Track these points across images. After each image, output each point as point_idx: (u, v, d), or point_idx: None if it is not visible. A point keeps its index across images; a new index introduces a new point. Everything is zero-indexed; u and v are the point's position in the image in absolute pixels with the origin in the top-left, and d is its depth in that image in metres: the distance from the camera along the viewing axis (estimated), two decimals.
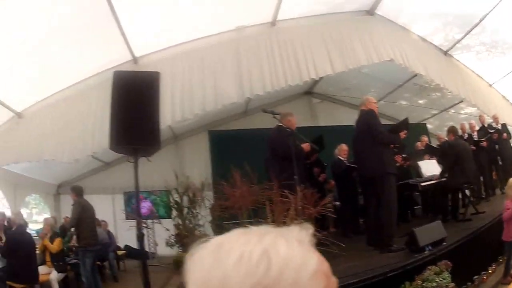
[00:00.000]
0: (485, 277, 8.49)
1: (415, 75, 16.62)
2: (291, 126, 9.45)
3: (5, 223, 12.47)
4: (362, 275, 6.57)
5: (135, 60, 11.34)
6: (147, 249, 18.52)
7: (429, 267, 6.79)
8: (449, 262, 7.03)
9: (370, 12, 13.37)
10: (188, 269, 1.19)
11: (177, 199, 15.22)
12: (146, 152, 7.42)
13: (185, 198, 14.78)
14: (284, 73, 11.26)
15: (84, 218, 10.81)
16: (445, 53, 16.02)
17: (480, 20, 14.82)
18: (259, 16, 11.85)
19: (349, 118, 14.79)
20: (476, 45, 16.85)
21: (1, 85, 11.00)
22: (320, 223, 10.95)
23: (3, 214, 13.19)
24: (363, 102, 9.92)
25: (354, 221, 13.34)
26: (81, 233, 10.71)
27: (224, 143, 16.91)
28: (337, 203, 13.67)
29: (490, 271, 8.79)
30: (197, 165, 18.67)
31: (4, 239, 10.99)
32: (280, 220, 4.59)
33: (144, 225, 12.89)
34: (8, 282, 9.46)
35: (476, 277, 8.39)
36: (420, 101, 21.48)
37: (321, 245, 4.73)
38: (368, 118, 9.44)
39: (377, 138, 9.18)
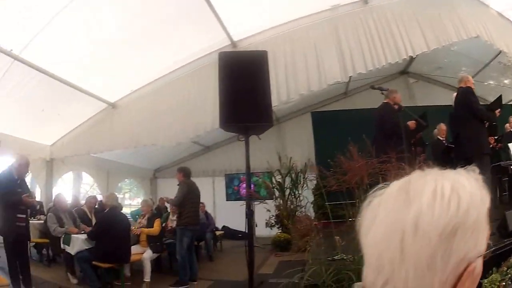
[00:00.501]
0: None
1: (499, 53, 16.07)
2: (397, 102, 9.30)
3: (96, 206, 12.83)
4: None
5: (233, 44, 11.37)
6: (247, 229, 18.87)
7: None
8: None
9: None
10: (366, 221, 1.19)
11: (279, 180, 15.30)
12: (257, 130, 7.35)
13: (288, 180, 14.82)
14: (383, 51, 11.08)
15: (188, 198, 10.80)
16: None
17: None
18: None
19: (444, 97, 14.56)
20: None
21: (93, 79, 11.36)
22: None
23: (94, 197, 13.63)
24: (461, 79, 9.68)
25: None
26: (183, 212, 10.69)
27: (327, 124, 16.66)
28: None
29: None
30: (299, 147, 18.71)
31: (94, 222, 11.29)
32: None
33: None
34: (94, 262, 9.52)
35: None
36: (506, 81, 20.61)
37: None
38: (466, 95, 9.26)
39: (476, 115, 9.03)
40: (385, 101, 9.51)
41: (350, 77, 12.39)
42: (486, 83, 19.68)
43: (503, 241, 7.08)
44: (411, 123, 9.44)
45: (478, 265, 1.11)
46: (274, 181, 15.99)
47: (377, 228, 1.13)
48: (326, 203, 7.56)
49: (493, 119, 10.22)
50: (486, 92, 18.80)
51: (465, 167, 1.22)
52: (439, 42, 11.77)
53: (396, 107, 9.36)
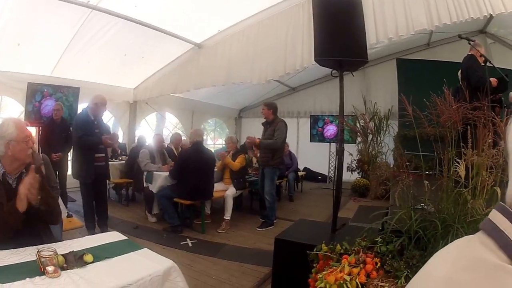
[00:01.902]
0: None
1: None
2: (483, 55, 8.87)
3: (181, 145, 12.88)
4: None
5: None
6: (326, 173, 18.69)
7: None
8: None
9: None
10: None
11: (363, 125, 15.24)
12: (352, 66, 7.13)
13: (371, 125, 14.68)
14: (466, 5, 10.64)
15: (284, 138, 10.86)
16: None
17: None
18: None
19: None
20: None
21: (178, 21, 11.34)
22: None
23: (178, 134, 13.81)
24: None
25: None
26: (277, 152, 10.59)
27: (411, 72, 16.36)
28: None
29: None
30: (383, 92, 18.60)
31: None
32: (480, 146, 4.36)
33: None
34: (175, 199, 9.65)
35: None
36: None
37: None
38: None
39: None
40: (470, 53, 9.24)
41: (435, 27, 12.01)
42: None
43: None
44: (494, 80, 9.15)
45: None
46: (358, 125, 15.73)
47: None
48: (410, 152, 7.44)
49: None
50: None
51: None
52: None
53: (481, 59, 8.99)
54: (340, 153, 6.73)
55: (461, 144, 4.39)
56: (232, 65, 11.89)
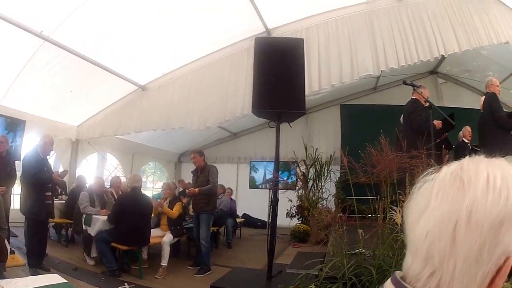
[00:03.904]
0: None
1: None
2: (426, 99, 9.07)
3: (121, 189, 12.76)
4: None
5: (268, 31, 11.33)
6: (265, 218, 18.80)
7: None
8: None
9: None
10: (416, 208, 1.16)
11: (304, 171, 15.26)
12: (289, 117, 7.29)
13: (312, 171, 14.79)
14: (416, 48, 10.98)
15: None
16: None
17: None
18: None
19: (471, 100, 14.60)
20: None
21: (124, 61, 11.37)
22: None
23: (118, 178, 13.76)
24: (486, 84, 9.73)
25: None
26: (213, 198, 10.73)
27: (354, 117, 16.73)
28: None
29: None
30: (326, 139, 18.86)
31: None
32: None
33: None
34: (113, 244, 9.55)
35: None
36: None
37: None
38: (490, 100, 9.29)
39: (498, 122, 8.97)
40: (414, 97, 9.47)
41: (381, 72, 12.14)
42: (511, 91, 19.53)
43: None
44: (438, 123, 9.28)
45: None
46: (298, 171, 16.02)
47: (430, 216, 1.10)
48: (352, 197, 7.50)
49: None
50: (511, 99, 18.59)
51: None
52: (471, 44, 11.62)
53: (425, 104, 9.20)
54: (274, 203, 6.81)
55: (398, 191, 4.43)
56: (173, 110, 11.99)
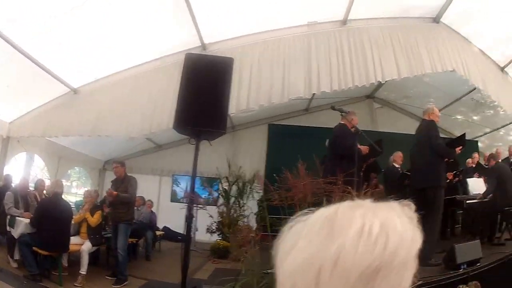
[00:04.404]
0: None
1: (473, 90, 16.64)
2: (354, 125, 9.53)
3: (45, 192, 12.86)
4: None
5: (203, 46, 11.50)
6: (185, 232, 18.99)
7: (460, 286, 6.86)
8: (479, 284, 7.07)
9: (436, 19, 13.38)
10: (284, 246, 1.18)
11: (226, 188, 15.57)
12: (209, 136, 7.45)
13: (234, 188, 15.07)
14: (352, 73, 11.32)
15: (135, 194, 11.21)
16: (502, 69, 15.90)
17: None
18: (331, 14, 11.88)
19: (407, 126, 14.91)
20: None
21: (60, 61, 11.35)
22: None
23: (42, 181, 13.82)
24: (426, 111, 9.98)
25: None
26: (132, 208, 11.10)
27: (282, 138, 17.00)
28: None
29: None
30: (252, 157, 19.05)
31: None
32: None
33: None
34: (34, 248, 9.65)
35: None
36: (475, 117, 21.32)
37: None
38: (428, 128, 9.54)
39: (435, 149, 9.29)
40: (342, 122, 9.75)
41: (314, 94, 12.64)
42: (453, 117, 20.25)
43: (449, 273, 7.40)
44: (364, 148, 9.63)
45: None
46: (220, 188, 16.44)
47: (295, 257, 1.12)
48: (267, 216, 7.79)
49: (452, 155, 10.41)
50: (453, 126, 19.29)
51: (405, 201, 1.28)
52: (412, 72, 12.12)
53: (353, 129, 9.61)
54: (189, 220, 7.02)
55: None
56: (101, 116, 11.95)
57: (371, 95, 20.70)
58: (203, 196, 19.42)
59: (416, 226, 1.18)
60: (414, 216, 1.21)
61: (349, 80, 11.27)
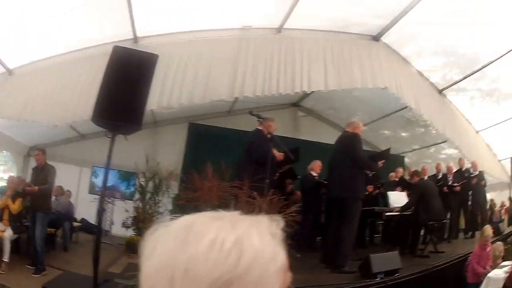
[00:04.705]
0: None
1: (405, 108, 17.05)
2: (271, 132, 9.68)
3: None
4: None
5: (135, 39, 11.55)
6: (102, 225, 18.93)
7: None
8: None
9: (376, 38, 13.78)
10: (147, 249, 1.19)
11: (142, 183, 15.56)
12: (125, 131, 7.72)
13: (151, 184, 15.09)
14: (278, 80, 11.56)
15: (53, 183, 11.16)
16: (440, 91, 16.51)
17: (483, 66, 15.31)
18: (266, 20, 12.11)
19: (331, 136, 15.04)
20: (473, 89, 17.33)
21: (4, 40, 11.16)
22: None
23: None
24: (351, 124, 10.24)
25: (311, 238, 13.65)
26: (49, 196, 11.16)
27: (203, 138, 17.06)
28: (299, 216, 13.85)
29: None
30: (170, 154, 18.91)
31: None
32: None
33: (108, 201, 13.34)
34: None
35: None
36: (403, 134, 22.08)
37: None
38: (352, 141, 9.72)
39: (357, 162, 9.48)
40: (259, 128, 9.89)
41: (237, 97, 12.83)
42: (381, 132, 20.96)
43: (364, 281, 7.57)
44: (279, 155, 9.75)
45: None
46: (137, 183, 16.39)
47: (153, 261, 1.15)
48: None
49: (373, 169, 10.86)
50: (379, 140, 19.71)
51: (276, 216, 1.16)
52: (340, 85, 12.46)
53: (268, 135, 9.74)
54: (100, 213, 7.09)
55: None
56: (29, 101, 11.74)
57: (297, 103, 20.94)
58: (120, 189, 19.29)
59: (279, 242, 1.20)
60: (279, 233, 1.22)
61: (273, 87, 11.50)
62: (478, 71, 15.59)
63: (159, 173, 15.70)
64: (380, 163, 10.51)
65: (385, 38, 13.94)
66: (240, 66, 11.40)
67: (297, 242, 13.30)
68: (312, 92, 14.10)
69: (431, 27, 13.61)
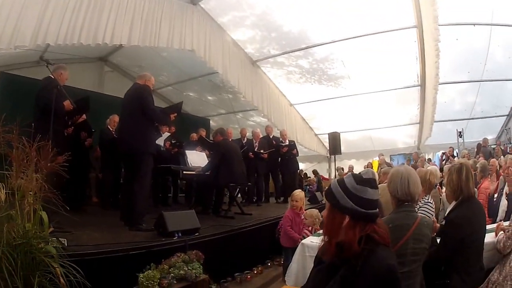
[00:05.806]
0: (249, 276, 8.90)
1: (214, 73, 17.63)
2: (61, 80, 9.15)
3: None
4: (105, 248, 6.51)
5: None
6: None
7: (178, 254, 6.87)
8: (200, 253, 7.14)
9: (194, 1, 13.98)
10: None
11: None
12: None
13: None
14: (81, 30, 11.17)
15: None
16: (254, 62, 16.95)
17: (308, 47, 16.27)
18: None
19: None
20: (292, 66, 18.26)
21: None
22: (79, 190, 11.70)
23: None
24: (142, 77, 9.71)
25: (113, 195, 13.23)
26: None
27: (15, 87, 16.54)
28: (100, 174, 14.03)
29: (255, 272, 9.29)
30: None
31: None
32: (20, 169, 4.88)
33: None
34: None
35: (237, 274, 8.79)
36: (210, 97, 22.83)
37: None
38: (142, 92, 9.29)
39: (148, 114, 9.18)
40: (50, 76, 9.17)
41: (48, 46, 12.65)
42: (185, 93, 21.53)
43: (161, 240, 7.59)
44: (67, 104, 9.19)
45: None
46: None
47: None
48: None
49: (165, 122, 11.03)
50: (185, 102, 19.96)
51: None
52: (143, 42, 12.50)
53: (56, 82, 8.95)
54: None
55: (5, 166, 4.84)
56: None
57: (104, 58, 20.66)
58: None
59: None
60: None
61: (75, 37, 11.09)
62: (301, 50, 16.63)
63: None
64: (172, 116, 10.13)
65: (203, 4, 14.24)
66: (48, 10, 10.71)
67: (102, 200, 13.54)
68: (122, 47, 14.04)
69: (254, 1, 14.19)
